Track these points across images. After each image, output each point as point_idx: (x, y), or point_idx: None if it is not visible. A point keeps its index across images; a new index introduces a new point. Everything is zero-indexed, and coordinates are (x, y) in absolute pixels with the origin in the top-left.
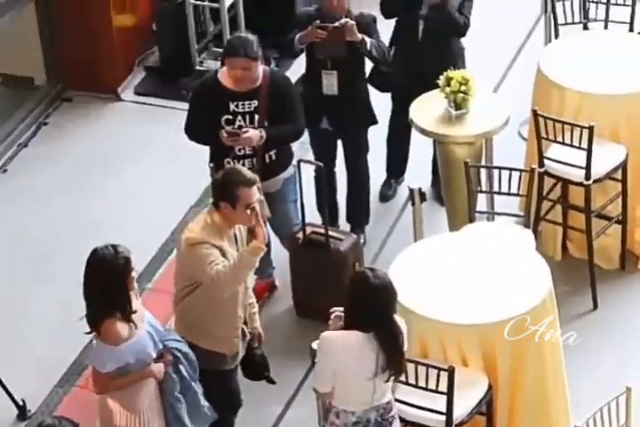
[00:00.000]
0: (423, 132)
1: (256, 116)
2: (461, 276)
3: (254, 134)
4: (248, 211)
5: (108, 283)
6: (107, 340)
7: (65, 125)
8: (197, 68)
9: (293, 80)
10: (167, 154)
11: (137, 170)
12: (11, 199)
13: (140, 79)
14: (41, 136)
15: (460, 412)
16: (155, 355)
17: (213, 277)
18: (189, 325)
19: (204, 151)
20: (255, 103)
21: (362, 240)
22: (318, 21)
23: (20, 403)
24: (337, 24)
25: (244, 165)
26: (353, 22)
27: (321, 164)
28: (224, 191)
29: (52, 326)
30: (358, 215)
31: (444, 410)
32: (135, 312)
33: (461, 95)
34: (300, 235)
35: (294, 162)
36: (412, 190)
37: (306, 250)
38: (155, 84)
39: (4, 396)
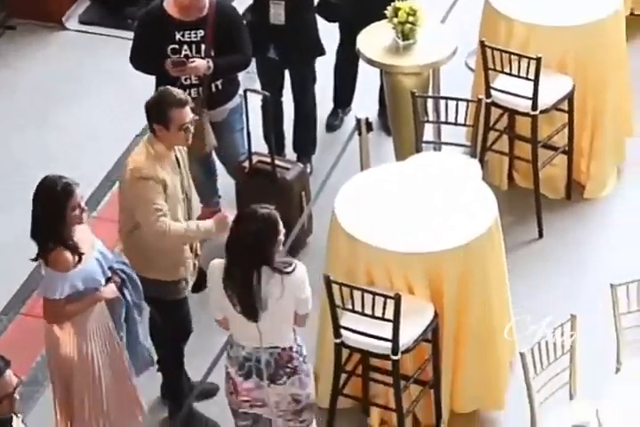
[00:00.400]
0: (370, 62)
1: (202, 46)
2: (408, 205)
3: (201, 64)
4: (182, 132)
5: (47, 211)
6: (55, 267)
7: (9, 54)
8: None
9: (241, 10)
10: (112, 83)
11: (81, 99)
12: None
13: (84, 8)
14: None
15: (406, 339)
16: (103, 282)
17: (157, 231)
18: (136, 256)
19: (150, 80)
20: (201, 33)
21: (308, 169)
22: None
23: None
24: None
25: (189, 94)
26: None
27: (267, 93)
28: (156, 114)
29: None
30: (305, 145)
31: (390, 337)
32: (79, 251)
33: (409, 26)
34: (247, 164)
35: (240, 91)
36: (358, 120)
37: (252, 179)
38: (99, 14)
39: None
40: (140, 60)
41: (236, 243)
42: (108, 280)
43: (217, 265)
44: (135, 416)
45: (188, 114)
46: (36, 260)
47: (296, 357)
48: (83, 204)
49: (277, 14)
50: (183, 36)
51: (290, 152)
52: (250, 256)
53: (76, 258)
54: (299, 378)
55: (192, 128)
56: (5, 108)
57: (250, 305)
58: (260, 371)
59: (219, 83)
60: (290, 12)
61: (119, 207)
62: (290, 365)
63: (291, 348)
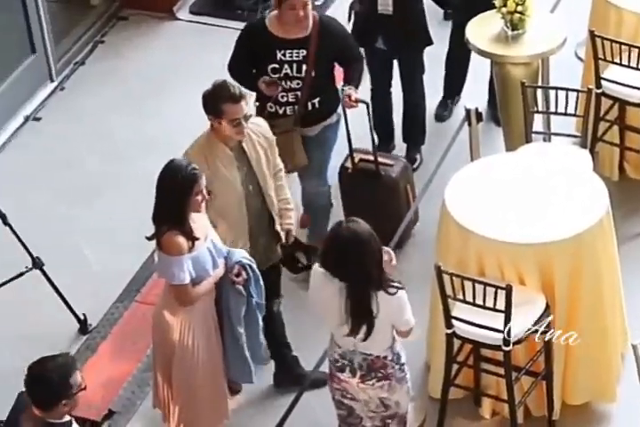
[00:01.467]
0: (479, 52)
1: (303, 66)
2: (518, 195)
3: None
4: (234, 126)
5: (170, 194)
6: (168, 251)
7: (121, 44)
8: None
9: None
10: (221, 73)
11: (189, 89)
12: (68, 117)
13: None
14: (97, 54)
15: (517, 330)
16: (212, 272)
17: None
18: None
19: None
20: (304, 52)
21: (418, 160)
22: None
23: (82, 317)
24: None
25: (285, 111)
26: None
27: (367, 101)
28: (211, 106)
29: (111, 243)
30: (414, 135)
31: (501, 328)
32: (192, 234)
33: (518, 15)
34: (349, 164)
35: (339, 110)
36: (468, 111)
37: (356, 179)
38: (210, 4)
39: (66, 311)
40: (237, 73)
41: (333, 261)
42: (237, 274)
43: (319, 273)
44: (220, 416)
45: (242, 109)
46: (151, 239)
47: (390, 364)
48: (205, 192)
49: (385, 4)
50: (284, 55)
51: (399, 143)
52: (353, 275)
53: (190, 243)
54: (389, 383)
55: (245, 123)
56: (114, 96)
57: (365, 326)
58: (354, 369)
59: (316, 101)
60: (398, 1)
61: None
62: (382, 371)
63: (385, 356)
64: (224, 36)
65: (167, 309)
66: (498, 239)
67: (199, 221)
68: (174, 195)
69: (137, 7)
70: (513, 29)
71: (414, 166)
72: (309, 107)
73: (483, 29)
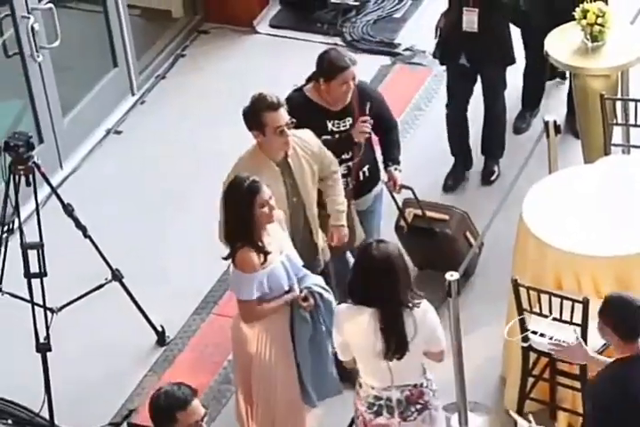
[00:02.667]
0: (558, 64)
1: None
2: (596, 208)
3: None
4: (279, 136)
5: (234, 211)
6: (240, 268)
7: (202, 57)
8: (332, 0)
9: None
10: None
11: None
12: (149, 130)
13: (275, 12)
14: (178, 68)
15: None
16: (287, 288)
17: None
18: None
19: None
20: (350, 120)
21: (495, 173)
22: None
23: (160, 329)
24: None
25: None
26: None
27: (411, 187)
28: (252, 120)
29: (189, 255)
30: (493, 149)
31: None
32: (264, 247)
33: (598, 27)
34: (403, 223)
35: (383, 178)
36: (546, 123)
37: (413, 238)
38: (290, 17)
39: (144, 323)
40: None
41: (363, 284)
42: (304, 299)
43: (344, 309)
44: None
45: (283, 117)
46: (226, 259)
47: (427, 392)
48: (272, 202)
49: (470, 21)
50: (334, 125)
51: (477, 154)
52: (386, 295)
53: (262, 258)
54: (429, 413)
55: (289, 131)
56: (195, 110)
57: (399, 344)
58: (392, 409)
59: (366, 169)
60: (483, 19)
61: None
62: (421, 400)
63: (421, 384)
64: (303, 50)
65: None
66: (575, 252)
67: (275, 234)
68: (239, 210)
69: (218, 21)
70: (593, 41)
71: (492, 179)
72: (361, 176)
73: (562, 41)
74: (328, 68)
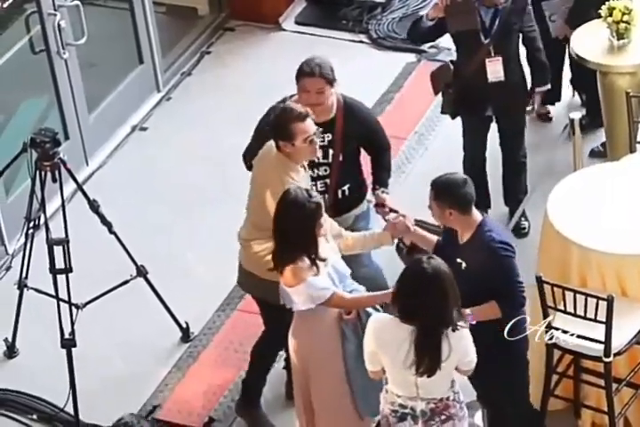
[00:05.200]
0: (584, 61)
1: (330, 151)
2: (621, 205)
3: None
4: (308, 145)
5: (298, 226)
6: (286, 282)
7: (227, 55)
8: None
9: None
10: None
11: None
12: (174, 126)
13: (301, 9)
14: (204, 65)
15: (618, 341)
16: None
17: None
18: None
19: (363, 80)
20: (329, 136)
21: (527, 227)
22: None
23: (184, 325)
24: None
25: None
26: None
27: (402, 213)
28: (280, 131)
29: (213, 251)
30: (518, 195)
31: (602, 339)
32: (323, 260)
33: (624, 25)
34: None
35: (369, 197)
36: (572, 120)
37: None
38: (315, 15)
39: (169, 319)
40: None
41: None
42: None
43: (380, 319)
44: None
45: (311, 126)
46: (273, 270)
47: (453, 404)
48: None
49: (496, 71)
50: None
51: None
52: (427, 314)
53: (314, 270)
54: (452, 424)
55: (317, 140)
56: (220, 107)
57: (431, 363)
58: (416, 418)
59: (346, 188)
60: (505, 66)
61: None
62: (446, 412)
63: (448, 397)
64: (329, 47)
65: (296, 334)
66: (600, 250)
67: (321, 246)
68: (302, 227)
69: (243, 18)
70: (619, 39)
71: (525, 231)
72: (339, 194)
73: (588, 39)
74: (297, 71)
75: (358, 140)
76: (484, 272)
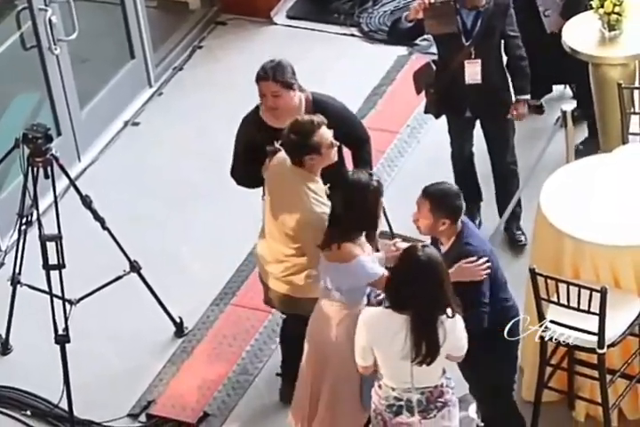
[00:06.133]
0: (575, 53)
1: None
2: (614, 197)
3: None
4: (332, 149)
5: (364, 204)
6: (341, 258)
7: (219, 49)
8: None
9: None
10: (317, 77)
11: None
12: (166, 121)
13: (292, 3)
14: (195, 60)
15: (612, 333)
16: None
17: None
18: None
19: (355, 74)
20: None
21: (523, 240)
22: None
23: (178, 320)
24: None
25: None
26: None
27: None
28: (304, 146)
29: (207, 246)
30: (516, 210)
31: (596, 331)
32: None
33: (615, 16)
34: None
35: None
36: (564, 112)
37: None
38: (307, 8)
39: (163, 314)
40: (241, 173)
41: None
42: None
43: (371, 314)
44: None
45: (328, 130)
46: (324, 247)
47: (446, 391)
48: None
49: (474, 73)
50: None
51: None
52: (423, 301)
53: (366, 249)
54: (448, 410)
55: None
56: (213, 101)
57: (429, 351)
58: (412, 408)
59: (325, 188)
60: (485, 69)
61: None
62: (441, 399)
63: (441, 384)
64: (321, 41)
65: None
66: (593, 242)
67: None
68: (366, 208)
69: (235, 12)
70: (610, 30)
71: (522, 244)
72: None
73: (580, 30)
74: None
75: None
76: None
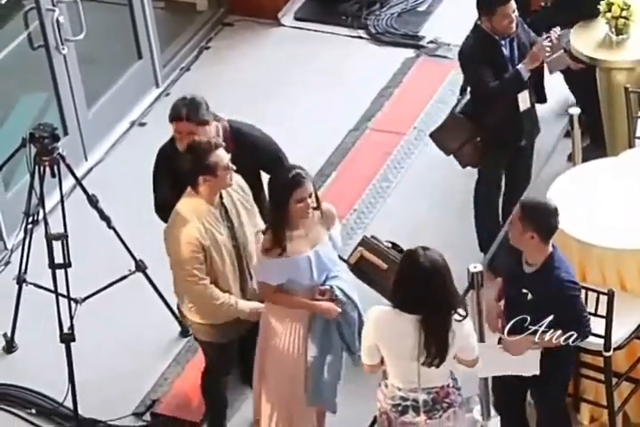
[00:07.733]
0: (583, 57)
1: None
2: (620, 200)
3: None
4: (227, 172)
5: (273, 196)
6: (261, 249)
7: (226, 50)
8: None
9: None
10: (325, 79)
11: (295, 94)
12: None
13: (300, 4)
14: (202, 60)
15: (618, 336)
16: (307, 282)
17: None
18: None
19: (362, 76)
20: None
21: None
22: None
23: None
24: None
25: None
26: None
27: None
28: (199, 167)
29: None
30: None
31: (602, 333)
32: (282, 244)
33: (623, 20)
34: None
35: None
36: (571, 116)
37: (355, 273)
38: (314, 10)
39: (168, 313)
40: (167, 210)
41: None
42: (322, 294)
43: (380, 313)
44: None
45: (225, 153)
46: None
47: (452, 391)
48: (311, 200)
49: (525, 99)
50: None
51: None
52: (437, 303)
53: (279, 250)
54: (453, 411)
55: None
56: (219, 102)
57: (439, 352)
58: (417, 408)
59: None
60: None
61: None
62: (447, 400)
63: (448, 384)
64: (328, 43)
65: (271, 314)
66: (599, 245)
67: (312, 229)
68: (276, 197)
69: (242, 13)
70: (617, 34)
71: None
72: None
73: (587, 35)
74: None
75: (254, 161)
76: (551, 305)
